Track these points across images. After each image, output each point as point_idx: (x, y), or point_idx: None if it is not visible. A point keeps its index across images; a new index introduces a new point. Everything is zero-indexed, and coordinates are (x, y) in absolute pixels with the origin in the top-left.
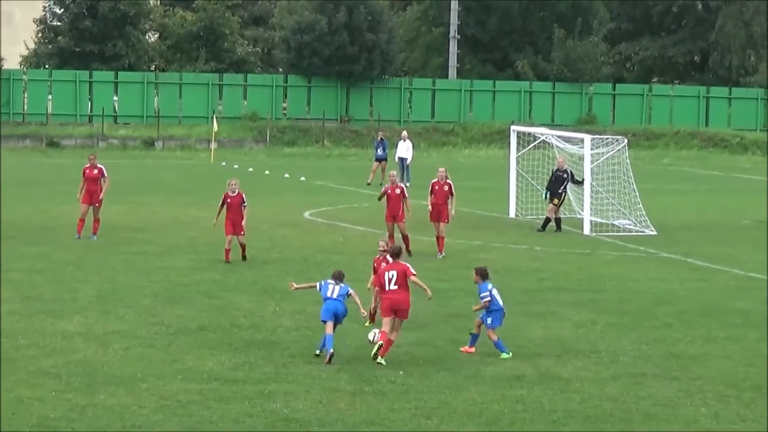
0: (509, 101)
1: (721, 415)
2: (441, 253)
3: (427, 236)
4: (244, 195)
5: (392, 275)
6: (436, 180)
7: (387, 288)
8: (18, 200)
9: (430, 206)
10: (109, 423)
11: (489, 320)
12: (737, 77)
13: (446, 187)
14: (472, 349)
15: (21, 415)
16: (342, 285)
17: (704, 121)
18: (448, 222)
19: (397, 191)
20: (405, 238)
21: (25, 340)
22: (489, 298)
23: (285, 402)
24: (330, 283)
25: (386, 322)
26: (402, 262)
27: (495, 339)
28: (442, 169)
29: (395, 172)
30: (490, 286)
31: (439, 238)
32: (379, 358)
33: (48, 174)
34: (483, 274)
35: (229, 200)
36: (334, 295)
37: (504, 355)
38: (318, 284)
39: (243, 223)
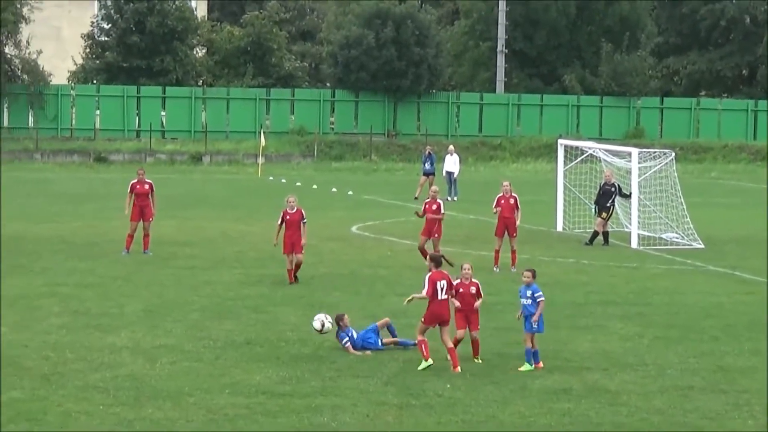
0: (557, 115)
1: None
2: (513, 266)
3: (475, 250)
4: (303, 211)
5: (443, 285)
6: (501, 194)
7: (438, 297)
8: (67, 215)
9: (495, 210)
10: None
11: (535, 324)
12: None
13: (512, 201)
14: (540, 364)
15: (69, 429)
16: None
17: (752, 135)
18: (516, 235)
19: (434, 207)
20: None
21: (73, 354)
22: (543, 298)
23: (332, 415)
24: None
25: (424, 329)
26: (445, 273)
27: (529, 346)
28: (506, 183)
29: (437, 188)
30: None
31: (512, 252)
32: (458, 368)
33: (96, 189)
34: (535, 275)
35: (288, 217)
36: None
37: (526, 366)
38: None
39: (303, 241)
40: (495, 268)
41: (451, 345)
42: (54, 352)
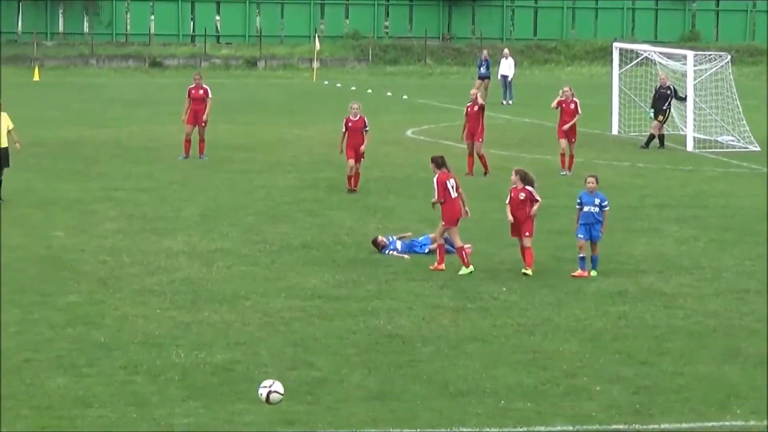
0: (612, 18)
1: None
2: (569, 171)
3: (530, 153)
4: (366, 119)
5: (453, 183)
6: (563, 98)
7: (452, 195)
8: (123, 120)
9: (555, 106)
10: (213, 339)
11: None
12: None
13: (572, 105)
14: (585, 273)
15: (126, 332)
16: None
17: None
18: (575, 141)
19: (476, 108)
20: (481, 158)
21: (130, 258)
22: (609, 207)
23: (388, 318)
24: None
25: (455, 231)
26: (451, 173)
27: (589, 253)
28: (567, 87)
29: (476, 91)
30: None
31: (570, 156)
32: (466, 268)
33: (152, 94)
34: (598, 181)
35: (350, 124)
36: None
37: (579, 272)
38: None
39: (362, 147)
40: (562, 171)
41: (441, 242)
42: (111, 257)
